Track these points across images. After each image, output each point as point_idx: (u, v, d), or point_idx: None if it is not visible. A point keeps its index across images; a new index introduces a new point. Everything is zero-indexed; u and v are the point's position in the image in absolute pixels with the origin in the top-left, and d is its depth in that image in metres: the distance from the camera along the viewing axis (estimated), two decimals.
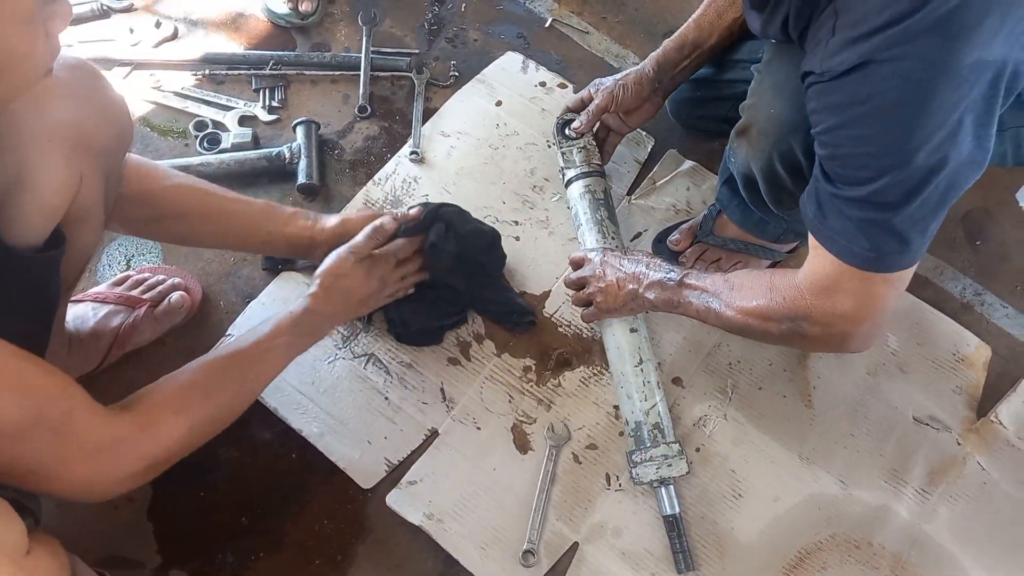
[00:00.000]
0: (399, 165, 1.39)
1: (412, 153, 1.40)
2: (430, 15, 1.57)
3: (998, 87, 0.74)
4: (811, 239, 0.87)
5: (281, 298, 1.26)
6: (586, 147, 1.28)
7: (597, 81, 1.28)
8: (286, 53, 1.50)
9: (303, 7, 1.52)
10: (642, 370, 1.15)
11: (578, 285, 1.16)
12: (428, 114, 1.46)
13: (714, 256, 1.31)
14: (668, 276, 1.03)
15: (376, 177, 1.39)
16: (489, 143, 1.43)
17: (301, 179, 1.35)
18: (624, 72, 1.26)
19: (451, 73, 1.50)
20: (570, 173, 1.27)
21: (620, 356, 1.16)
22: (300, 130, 1.39)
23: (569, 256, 1.18)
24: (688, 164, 1.43)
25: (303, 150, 1.37)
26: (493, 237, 1.26)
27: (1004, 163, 1.04)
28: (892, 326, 1.29)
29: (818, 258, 0.86)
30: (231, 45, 1.52)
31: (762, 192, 1.06)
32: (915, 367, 1.28)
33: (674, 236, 1.32)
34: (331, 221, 1.14)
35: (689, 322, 1.24)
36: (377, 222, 1.11)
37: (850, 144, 0.78)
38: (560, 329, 1.28)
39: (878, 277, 0.84)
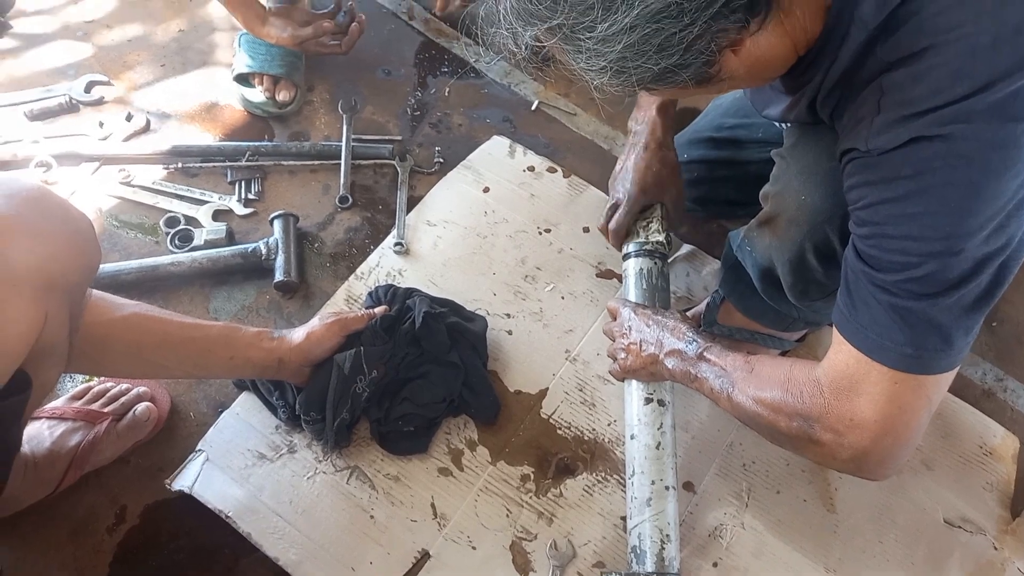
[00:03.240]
0: (383, 257, 1.34)
1: (396, 244, 1.34)
2: (413, 101, 1.54)
3: None
4: (835, 332, 0.78)
5: (257, 407, 1.18)
6: (649, 223, 1.20)
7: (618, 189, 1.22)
8: (263, 143, 1.45)
9: (280, 96, 1.48)
10: (658, 452, 1.06)
11: (610, 336, 1.11)
12: (412, 203, 1.41)
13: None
14: (688, 347, 0.97)
15: (358, 271, 1.33)
16: (477, 232, 1.38)
17: (278, 276, 1.28)
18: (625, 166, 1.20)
19: (436, 159, 1.46)
20: (626, 247, 1.21)
21: (633, 427, 1.08)
22: (277, 224, 1.33)
23: (608, 304, 1.14)
24: (687, 248, 1.39)
25: (280, 245, 1.30)
26: (483, 320, 1.23)
27: None
28: None
29: (842, 353, 0.77)
30: (205, 136, 1.47)
31: (784, 285, 1.00)
32: (941, 463, 1.21)
33: None
34: (296, 337, 1.09)
35: (697, 421, 1.19)
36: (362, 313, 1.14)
37: (891, 223, 0.71)
38: (560, 432, 1.20)
39: (911, 381, 0.73)
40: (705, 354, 0.95)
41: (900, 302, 0.72)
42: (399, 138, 1.49)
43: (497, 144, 1.48)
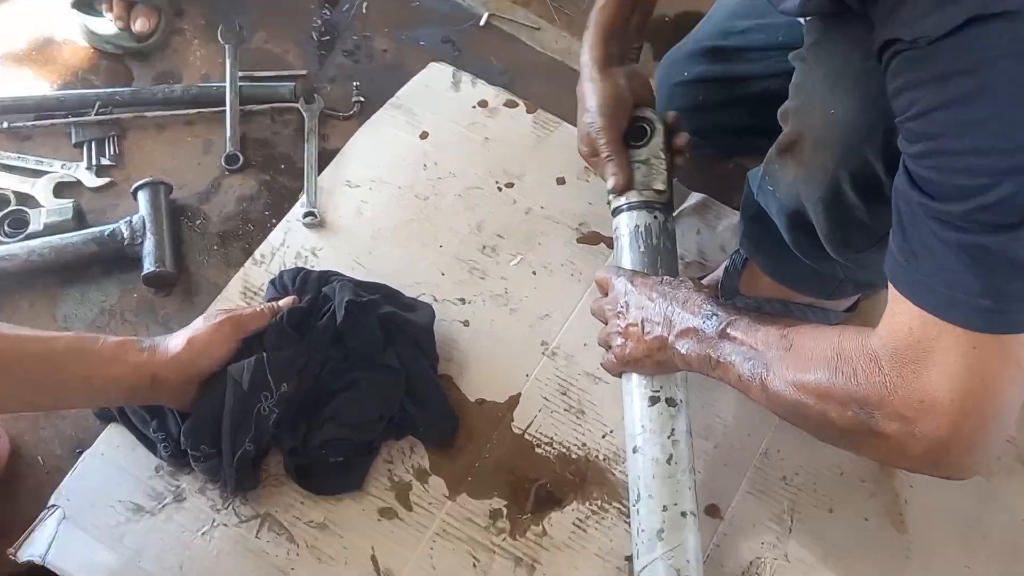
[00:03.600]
0: (289, 233, 1.33)
1: (307, 215, 1.33)
2: (319, 22, 1.52)
3: None
4: (890, 288, 0.79)
5: (129, 443, 1.16)
6: (648, 162, 1.18)
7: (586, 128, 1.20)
8: (119, 90, 1.43)
9: (138, 26, 1.46)
10: (669, 465, 1.04)
11: (601, 317, 1.11)
12: (326, 158, 1.40)
13: None
14: (707, 323, 0.97)
15: (257, 254, 1.32)
16: (415, 192, 1.37)
17: (147, 267, 1.27)
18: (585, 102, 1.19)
19: (354, 99, 1.45)
20: (616, 200, 1.19)
21: (636, 438, 1.07)
22: (143, 197, 1.31)
23: (595, 275, 1.15)
24: (695, 198, 1.38)
25: (148, 225, 1.29)
26: (428, 308, 1.23)
27: None
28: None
29: (901, 314, 0.77)
30: (39, 85, 1.44)
31: (820, 233, 0.99)
32: None
33: None
34: (174, 345, 1.07)
35: (720, 424, 1.20)
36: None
37: (952, 134, 0.70)
38: (539, 450, 1.20)
39: (993, 344, 0.73)
40: (729, 330, 0.94)
41: (970, 239, 0.71)
42: (303, 72, 1.47)
43: (436, 73, 1.47)
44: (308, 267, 1.26)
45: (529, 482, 1.18)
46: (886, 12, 0.74)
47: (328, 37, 1.51)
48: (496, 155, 1.40)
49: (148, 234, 1.29)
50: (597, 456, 1.20)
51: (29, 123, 1.40)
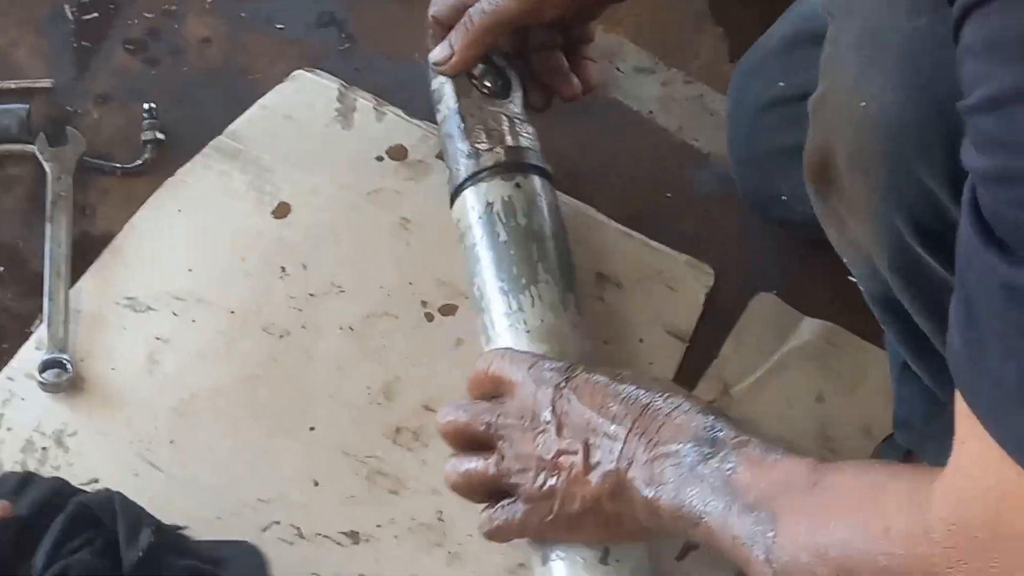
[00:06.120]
0: (11, 402, 0.98)
1: (48, 366, 0.99)
2: None
3: None
4: (958, 407, 0.60)
5: None
6: (504, 113, 1.01)
7: None
8: None
9: None
10: None
11: (484, 436, 0.89)
12: (88, 251, 1.03)
13: None
14: (697, 448, 0.80)
15: None
16: (265, 322, 1.01)
17: None
18: None
19: (146, 136, 1.06)
20: (460, 170, 1.00)
21: None
22: None
23: (477, 364, 0.94)
24: (811, 328, 1.05)
25: None
26: (249, 555, 0.96)
27: None
28: None
29: (970, 451, 0.60)
30: None
31: (932, 337, 0.82)
32: None
33: None
34: None
35: None
36: None
37: None
38: None
39: None
40: (730, 467, 0.77)
41: None
42: (47, 84, 1.11)
43: (306, 91, 1.13)
44: (42, 472, 0.95)
45: None
46: None
47: (96, 14, 1.14)
48: (423, 251, 1.07)
49: None
50: None
51: None
